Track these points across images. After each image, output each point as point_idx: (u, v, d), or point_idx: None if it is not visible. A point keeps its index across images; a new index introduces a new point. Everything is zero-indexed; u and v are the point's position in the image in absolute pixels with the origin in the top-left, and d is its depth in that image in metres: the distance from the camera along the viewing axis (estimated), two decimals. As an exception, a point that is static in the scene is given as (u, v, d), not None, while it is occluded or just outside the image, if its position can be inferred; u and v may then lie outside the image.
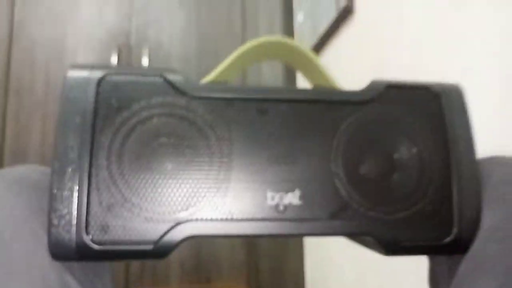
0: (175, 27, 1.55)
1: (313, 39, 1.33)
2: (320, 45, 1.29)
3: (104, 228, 0.25)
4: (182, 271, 1.41)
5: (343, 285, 1.13)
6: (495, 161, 0.31)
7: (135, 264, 1.39)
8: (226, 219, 0.27)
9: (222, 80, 0.33)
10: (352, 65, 1.08)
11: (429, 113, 0.30)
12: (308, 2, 1.43)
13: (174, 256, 1.39)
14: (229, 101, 0.28)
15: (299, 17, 1.54)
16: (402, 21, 0.83)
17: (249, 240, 1.45)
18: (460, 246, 0.28)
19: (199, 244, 1.41)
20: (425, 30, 0.75)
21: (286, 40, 0.33)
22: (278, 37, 0.34)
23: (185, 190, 0.27)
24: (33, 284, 0.24)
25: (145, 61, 1.47)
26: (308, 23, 1.42)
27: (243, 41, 1.58)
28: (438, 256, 0.33)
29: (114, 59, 1.46)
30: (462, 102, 0.31)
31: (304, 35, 1.46)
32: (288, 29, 1.63)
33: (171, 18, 1.55)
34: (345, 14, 1.08)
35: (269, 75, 1.60)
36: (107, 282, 0.32)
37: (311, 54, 0.34)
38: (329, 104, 0.29)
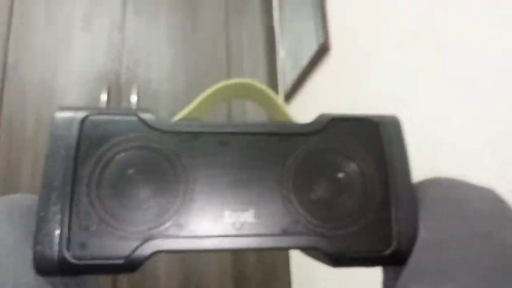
0: (164, 65, 1.62)
1: (294, 74, 1.41)
2: (301, 79, 1.36)
3: (83, 245, 0.28)
4: (170, 286, 1.40)
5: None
6: (431, 182, 0.34)
7: (122, 282, 1.38)
8: (190, 236, 0.30)
9: (192, 118, 0.36)
10: (330, 96, 1.15)
11: (369, 141, 0.34)
12: (289, 40, 1.52)
13: (162, 270, 1.39)
14: (194, 134, 0.32)
15: (281, 54, 1.62)
16: (372, 55, 0.90)
17: (236, 258, 1.46)
18: (399, 258, 0.31)
19: (187, 258, 1.41)
20: (393, 63, 0.82)
21: (251, 81, 0.38)
22: (243, 79, 0.38)
23: (154, 211, 0.30)
24: None
25: (134, 99, 1.52)
26: (289, 59, 1.51)
27: (228, 77, 1.66)
28: (386, 268, 0.36)
29: (104, 97, 1.51)
30: (399, 131, 0.35)
31: (286, 70, 1.55)
32: (271, 65, 1.71)
33: (160, 57, 1.62)
34: (322, 51, 1.16)
35: (253, 110, 1.67)
36: None
37: (272, 94, 0.38)
38: (281, 135, 0.33)
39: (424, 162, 0.67)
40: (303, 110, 1.41)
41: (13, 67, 1.50)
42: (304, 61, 1.30)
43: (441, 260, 0.27)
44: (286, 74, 1.54)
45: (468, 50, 0.60)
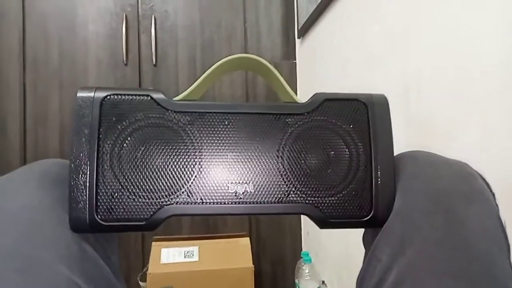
0: (179, 0, 1.62)
1: (310, 9, 1.41)
2: (316, 15, 1.36)
3: (109, 210, 0.34)
4: (192, 221, 1.59)
5: (331, 234, 1.29)
6: (409, 157, 0.37)
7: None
8: (199, 203, 0.35)
9: (199, 93, 0.41)
10: (342, 32, 1.17)
11: (358, 119, 0.37)
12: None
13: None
14: (201, 114, 0.36)
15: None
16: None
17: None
18: (377, 223, 0.36)
19: None
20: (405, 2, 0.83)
21: (254, 57, 0.42)
22: (247, 55, 0.42)
23: (167, 181, 0.35)
24: (60, 250, 0.31)
25: (152, 32, 1.56)
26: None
27: (243, 10, 1.65)
28: (366, 229, 0.41)
29: (123, 30, 1.55)
30: (385, 110, 0.38)
31: (303, 6, 1.53)
32: (287, 1, 1.69)
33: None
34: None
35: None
36: (115, 247, 0.41)
37: (273, 69, 0.42)
38: (278, 115, 0.37)
39: (413, 129, 0.72)
40: (317, 46, 1.43)
41: (31, 1, 1.52)
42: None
43: (408, 227, 0.32)
44: (302, 8, 1.53)
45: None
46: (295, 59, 1.69)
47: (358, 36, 1.05)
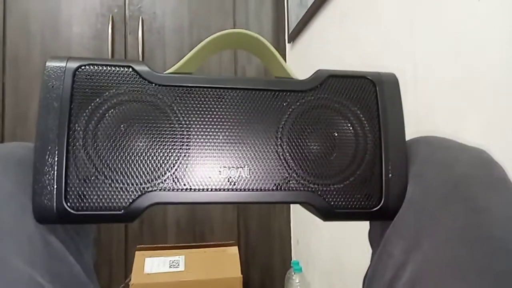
0: (168, 1, 1.58)
1: (300, 13, 1.39)
2: (306, 19, 1.35)
3: (81, 197, 0.29)
4: (178, 229, 1.53)
5: (322, 242, 1.26)
6: (423, 142, 0.34)
7: (134, 223, 1.50)
8: (186, 189, 0.30)
9: (187, 69, 0.36)
10: (335, 36, 1.16)
11: (365, 99, 0.33)
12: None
13: (170, 215, 1.51)
14: (189, 88, 0.31)
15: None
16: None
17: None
18: (387, 214, 0.32)
19: (193, 205, 1.51)
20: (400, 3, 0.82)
21: (247, 32, 0.37)
22: (239, 30, 0.37)
23: (150, 165, 0.30)
24: (20, 243, 0.27)
25: (139, 34, 1.52)
26: (296, -4, 1.47)
27: (233, 14, 1.63)
28: (374, 222, 0.37)
29: (109, 31, 1.50)
30: (396, 89, 0.34)
31: (292, 8, 1.52)
32: (277, 3, 1.67)
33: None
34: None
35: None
36: (89, 242, 0.36)
37: (270, 46, 0.38)
38: (277, 92, 0.33)
39: (417, 118, 0.71)
40: (308, 51, 1.42)
41: (14, -3, 1.47)
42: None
43: (423, 218, 0.29)
44: (292, 13, 1.52)
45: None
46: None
47: (352, 37, 1.03)
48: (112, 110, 0.30)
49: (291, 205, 1.60)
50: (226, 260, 1.23)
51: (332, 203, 0.32)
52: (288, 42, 1.63)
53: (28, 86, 1.47)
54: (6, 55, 1.46)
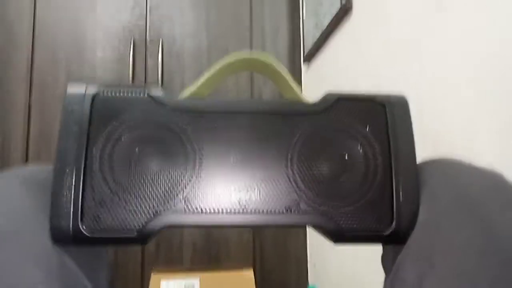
0: (187, 25, 1.63)
1: (316, 34, 1.40)
2: (322, 40, 1.36)
3: (96, 219, 0.29)
4: (194, 252, 1.52)
5: (340, 266, 1.22)
6: (435, 164, 0.34)
7: (150, 245, 1.50)
8: (197, 212, 0.31)
9: (201, 92, 0.37)
10: (351, 57, 1.15)
11: (375, 121, 0.34)
12: (311, 1, 1.50)
13: (187, 238, 1.51)
14: (201, 113, 0.33)
15: (304, 14, 1.60)
16: (393, 16, 0.90)
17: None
18: (399, 238, 0.31)
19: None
20: (415, 24, 0.82)
21: (260, 56, 0.38)
22: (254, 53, 0.37)
23: (163, 187, 0.31)
24: (38, 262, 0.27)
25: (159, 58, 1.57)
26: (311, 19, 1.49)
27: (250, 37, 1.66)
28: (386, 246, 0.36)
29: (130, 54, 1.55)
30: (406, 111, 0.34)
31: (308, 30, 1.53)
32: (293, 25, 1.69)
33: (183, 16, 1.63)
34: (344, 11, 1.15)
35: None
36: (104, 263, 0.36)
37: (283, 69, 0.38)
38: (286, 115, 0.33)
39: (427, 139, 0.70)
40: (324, 71, 1.42)
41: (41, 25, 1.55)
42: (326, 21, 1.29)
43: (437, 241, 0.28)
44: (308, 35, 1.54)
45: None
46: (301, 84, 1.68)
47: (365, 57, 1.03)
48: (127, 133, 0.31)
49: (307, 227, 1.56)
50: (242, 284, 1.21)
51: (343, 225, 0.32)
52: (304, 63, 1.64)
53: (53, 109, 1.53)
54: (33, 79, 1.53)
